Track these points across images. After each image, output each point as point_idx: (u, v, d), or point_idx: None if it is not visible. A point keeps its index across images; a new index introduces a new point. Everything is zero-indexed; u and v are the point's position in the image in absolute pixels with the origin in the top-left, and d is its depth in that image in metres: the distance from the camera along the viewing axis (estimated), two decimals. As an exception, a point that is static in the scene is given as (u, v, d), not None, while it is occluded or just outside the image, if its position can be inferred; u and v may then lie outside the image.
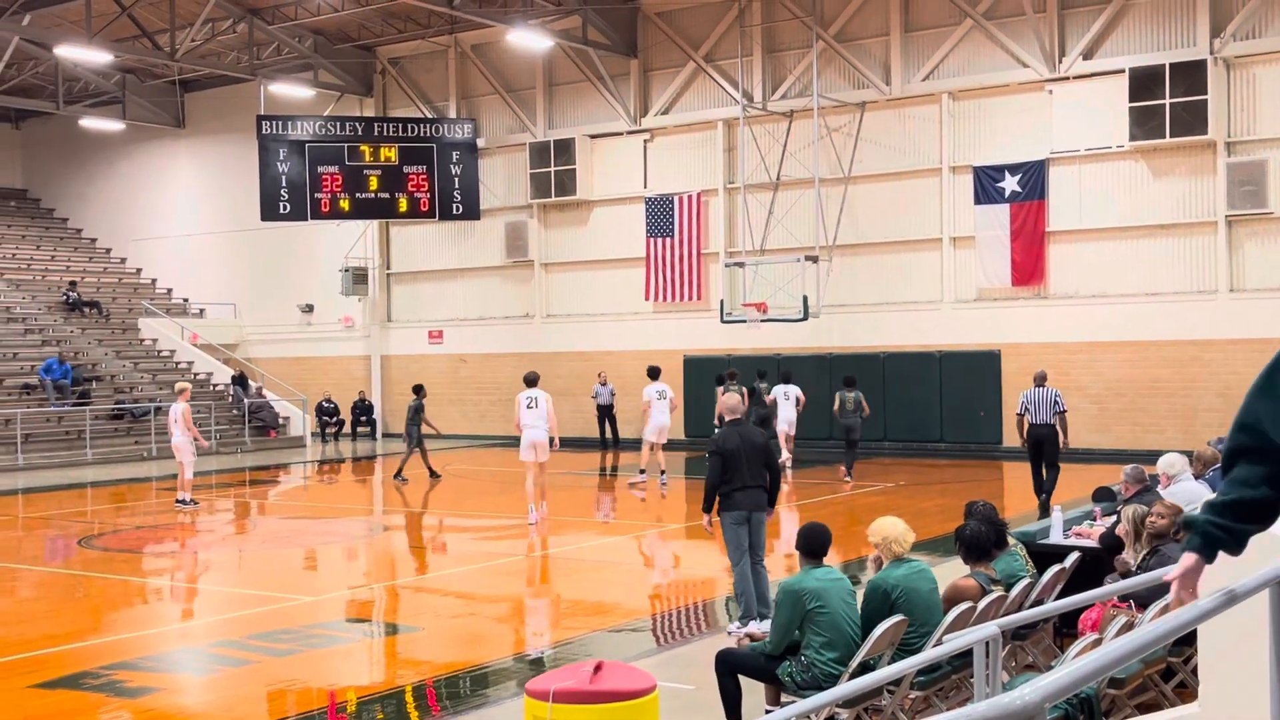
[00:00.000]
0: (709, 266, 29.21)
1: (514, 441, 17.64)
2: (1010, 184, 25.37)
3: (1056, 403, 16.83)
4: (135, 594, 13.40)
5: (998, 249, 25.52)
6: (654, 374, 22.54)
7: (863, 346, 26.97)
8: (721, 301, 27.71)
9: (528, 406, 16.91)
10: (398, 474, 22.78)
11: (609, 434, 29.12)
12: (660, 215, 29.64)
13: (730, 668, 7.10)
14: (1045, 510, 15.24)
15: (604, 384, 29.22)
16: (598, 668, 5.36)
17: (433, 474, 22.77)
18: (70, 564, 15.11)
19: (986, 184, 25.62)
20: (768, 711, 6.81)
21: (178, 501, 19.43)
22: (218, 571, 14.83)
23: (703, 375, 28.18)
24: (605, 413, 29.20)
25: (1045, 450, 16.85)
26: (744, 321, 26.80)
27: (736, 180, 28.52)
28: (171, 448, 20.10)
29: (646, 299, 29.99)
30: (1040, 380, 17.06)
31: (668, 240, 29.56)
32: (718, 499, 10.09)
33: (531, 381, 17.30)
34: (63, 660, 10.02)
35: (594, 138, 30.80)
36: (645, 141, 30.23)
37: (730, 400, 10.65)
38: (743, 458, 10.05)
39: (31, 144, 41.79)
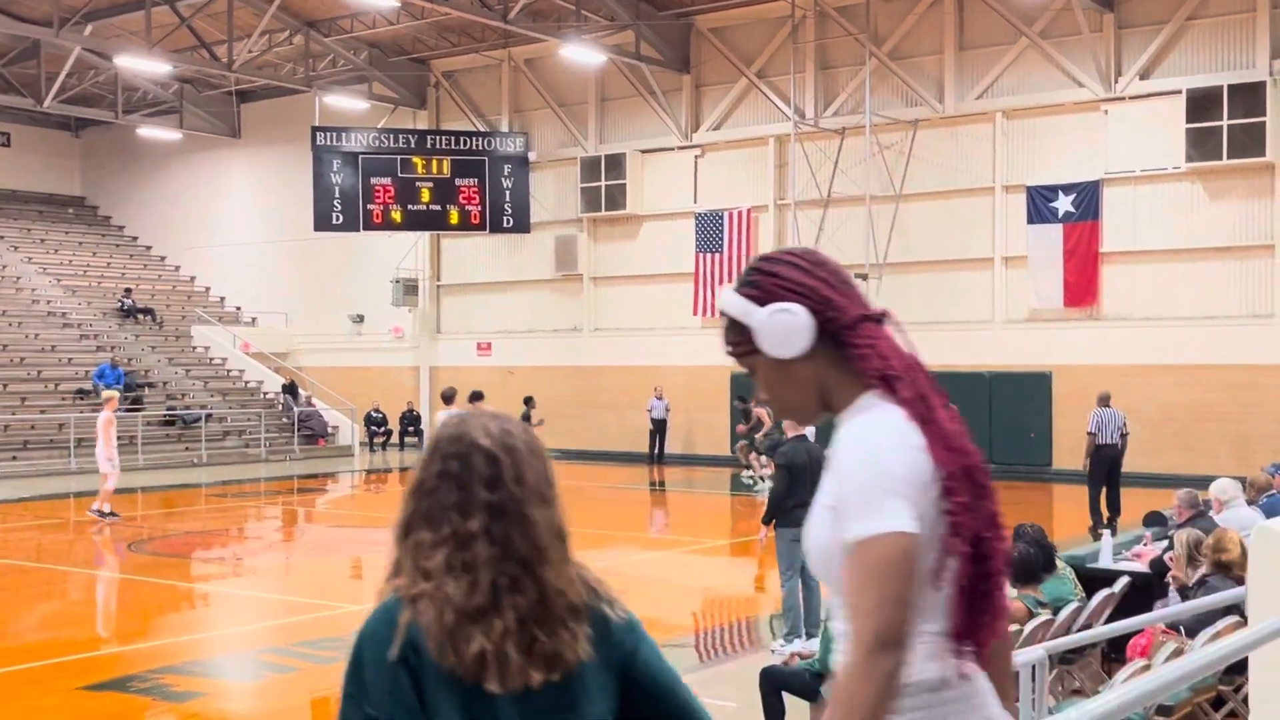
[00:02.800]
0: (758, 283, 29.13)
1: (561, 454, 17.64)
2: (1064, 204, 25.16)
3: (1124, 424, 16.94)
4: (183, 599, 13.53)
5: (1050, 269, 25.30)
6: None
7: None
8: (770, 318, 27.60)
9: None
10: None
11: (657, 449, 29.00)
12: (710, 231, 29.64)
13: (775, 685, 7.07)
14: (1114, 530, 15.18)
15: (659, 398, 29.12)
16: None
17: None
18: (120, 568, 15.28)
19: (1040, 204, 25.42)
20: (810, 731, 6.76)
21: (93, 511, 18.46)
22: (265, 578, 14.94)
23: (750, 392, 28.11)
24: (659, 427, 29.03)
25: (1115, 470, 16.91)
26: (792, 338, 26.67)
27: (787, 197, 28.47)
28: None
29: (695, 314, 29.96)
30: (1105, 401, 17.02)
31: (717, 256, 29.54)
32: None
33: (448, 398, 15.39)
34: (111, 663, 10.13)
35: (645, 153, 30.86)
36: (696, 157, 30.25)
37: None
38: (807, 474, 9.98)
39: (90, 152, 42.43)
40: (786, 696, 7.08)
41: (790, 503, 9.93)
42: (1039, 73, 25.79)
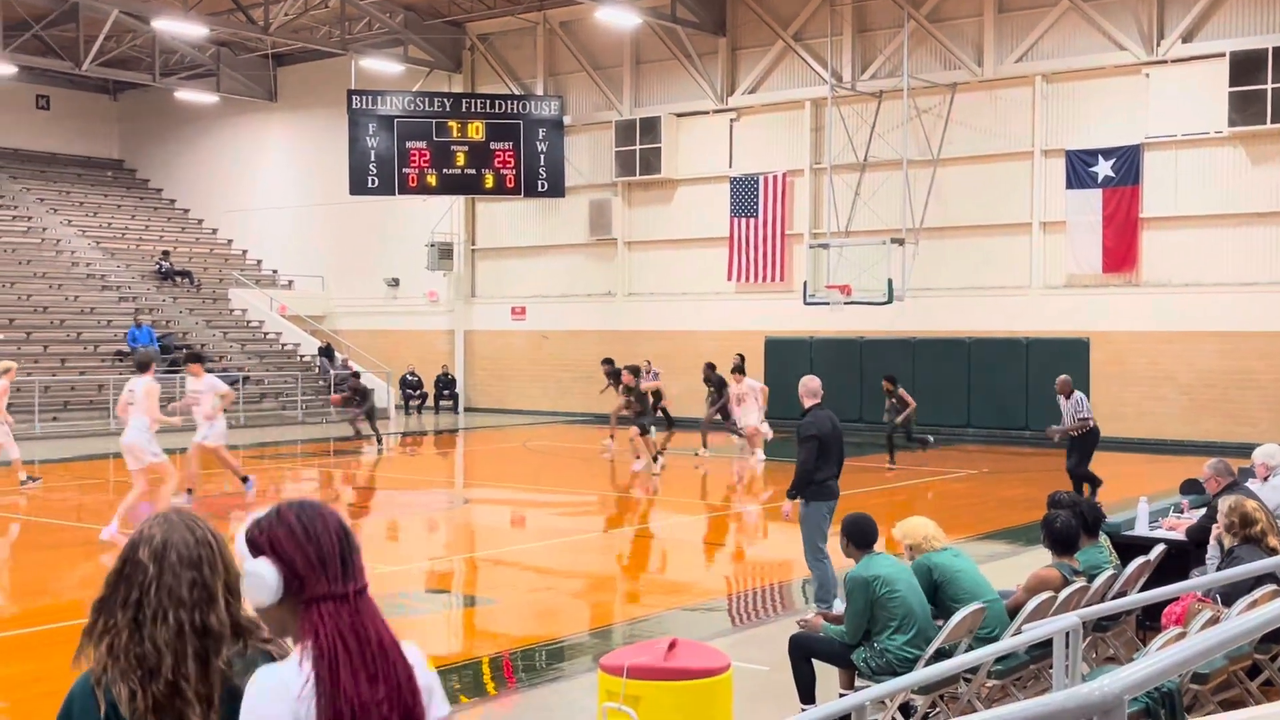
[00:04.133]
0: (792, 247, 29.04)
1: (595, 419, 17.66)
2: (1104, 168, 24.88)
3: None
4: (221, 558, 13.64)
5: (1089, 235, 25.07)
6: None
7: (948, 331, 26.67)
8: (805, 283, 27.53)
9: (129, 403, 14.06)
10: (655, 457, 20.57)
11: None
12: (745, 195, 29.51)
13: (805, 652, 7.08)
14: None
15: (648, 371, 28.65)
16: (672, 645, 5.38)
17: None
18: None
19: (1079, 168, 25.16)
20: (841, 695, 6.78)
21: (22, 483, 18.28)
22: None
23: (784, 357, 28.07)
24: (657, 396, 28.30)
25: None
26: (827, 304, 26.62)
27: (823, 161, 28.29)
28: None
29: (729, 279, 29.90)
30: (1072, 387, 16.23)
31: (752, 220, 29.43)
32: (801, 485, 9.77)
33: (143, 366, 14.31)
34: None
35: (680, 116, 30.72)
36: (731, 121, 30.09)
37: (813, 383, 10.11)
38: (834, 444, 9.77)
39: (128, 116, 42.65)
40: (816, 662, 7.09)
41: (822, 475, 9.70)
42: (1080, 35, 25.46)
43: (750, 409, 21.67)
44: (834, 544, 7.77)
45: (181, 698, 2.66)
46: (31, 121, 40.61)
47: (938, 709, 6.65)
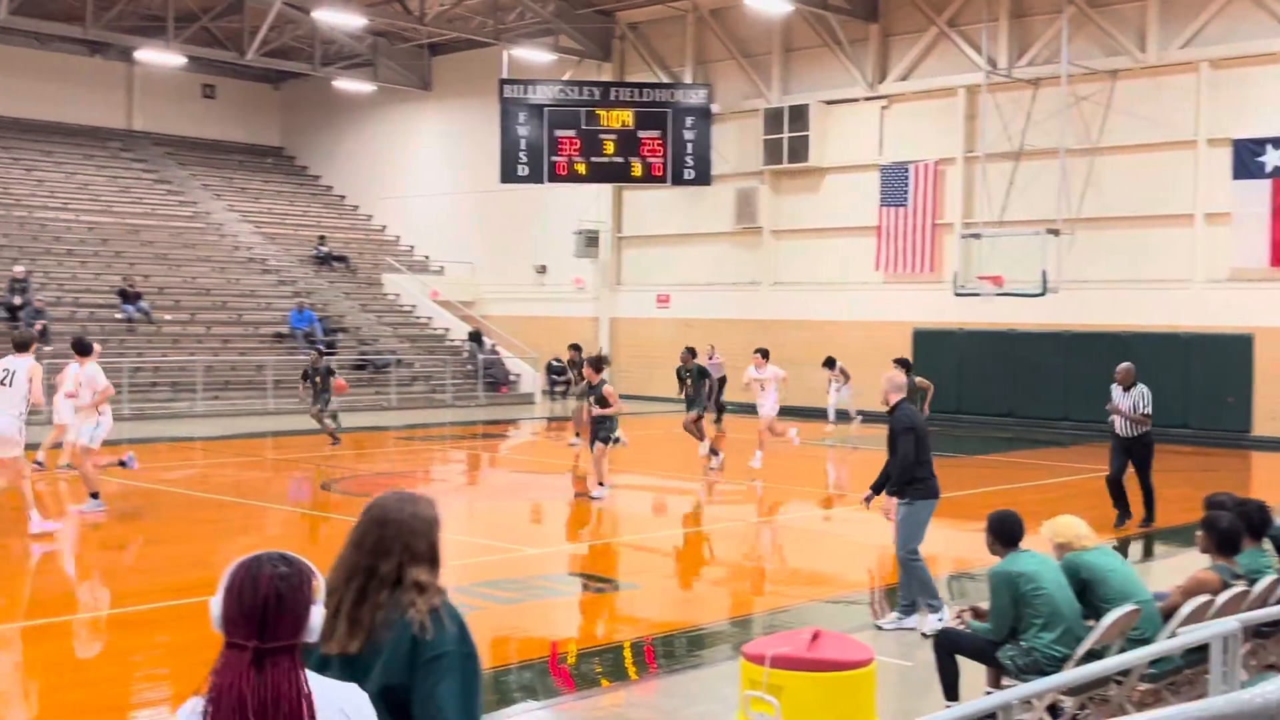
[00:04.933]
0: (943, 237, 28.55)
1: (740, 408, 17.55)
2: (1273, 158, 23.88)
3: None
4: (372, 536, 14.01)
5: (1255, 227, 24.09)
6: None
7: (1103, 325, 25.92)
8: (955, 274, 27.04)
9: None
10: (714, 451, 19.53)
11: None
12: (894, 184, 29.11)
13: (950, 648, 6.98)
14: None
15: (710, 356, 28.43)
16: (815, 636, 5.35)
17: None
18: (312, 505, 15.94)
19: (1246, 158, 24.19)
20: (987, 693, 6.66)
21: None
22: (447, 519, 15.36)
23: (932, 349, 27.64)
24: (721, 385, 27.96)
25: None
26: (977, 295, 26.12)
27: (976, 149, 27.74)
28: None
29: (876, 269, 29.54)
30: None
31: (901, 209, 29.01)
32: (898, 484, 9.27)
33: (21, 345, 12.89)
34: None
35: (829, 104, 30.42)
36: (882, 108, 29.69)
37: (899, 378, 9.61)
38: (927, 439, 9.40)
39: (289, 104, 43.95)
40: (961, 659, 6.98)
41: (923, 471, 9.24)
42: (1249, 20, 24.47)
43: (769, 397, 19.44)
44: (935, 545, 7.62)
45: (339, 616, 3.37)
46: (198, 110, 42.13)
47: (1087, 711, 6.49)
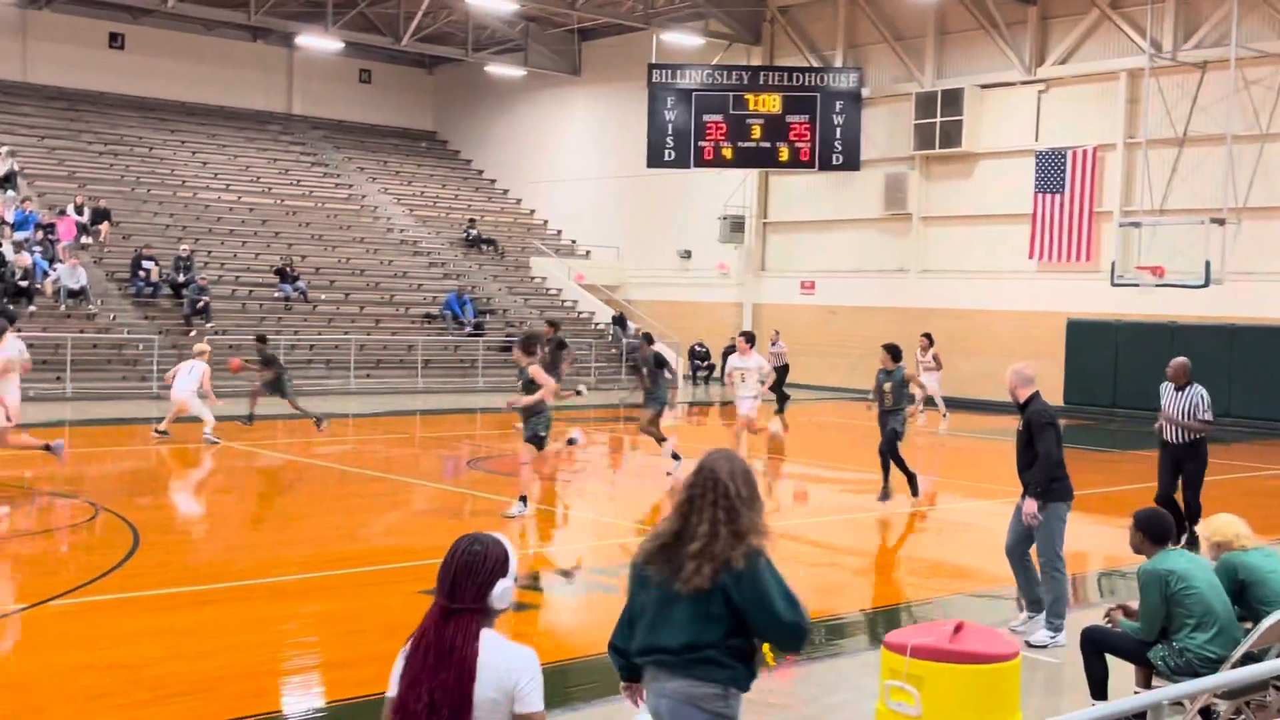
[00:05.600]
0: (1100, 226, 27.72)
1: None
2: None
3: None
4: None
5: None
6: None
7: (1271, 318, 24.89)
8: (1113, 263, 26.24)
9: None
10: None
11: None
12: (1051, 170, 28.35)
13: (1098, 646, 6.76)
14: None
15: (773, 343, 27.92)
16: (958, 628, 5.23)
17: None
18: (459, 482, 16.20)
19: None
20: (1136, 693, 6.44)
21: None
22: (590, 500, 15.50)
23: (1087, 341, 26.89)
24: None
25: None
26: (1136, 285, 25.32)
27: (1138, 135, 26.85)
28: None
29: (1030, 257, 28.83)
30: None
31: (1057, 196, 28.25)
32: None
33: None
34: (448, 570, 10.76)
35: (984, 88, 29.77)
36: (1039, 92, 28.95)
37: (1028, 370, 8.84)
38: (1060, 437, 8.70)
39: (442, 89, 44.71)
40: (1110, 659, 6.77)
41: (1062, 470, 8.58)
42: None
43: (749, 389, 16.58)
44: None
45: (684, 557, 4.21)
46: (354, 94, 43.14)
47: (1243, 715, 6.23)
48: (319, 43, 35.58)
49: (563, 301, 36.42)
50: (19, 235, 27.83)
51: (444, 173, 42.70)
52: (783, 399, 26.62)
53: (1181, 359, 12.38)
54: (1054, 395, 26.60)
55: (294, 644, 8.40)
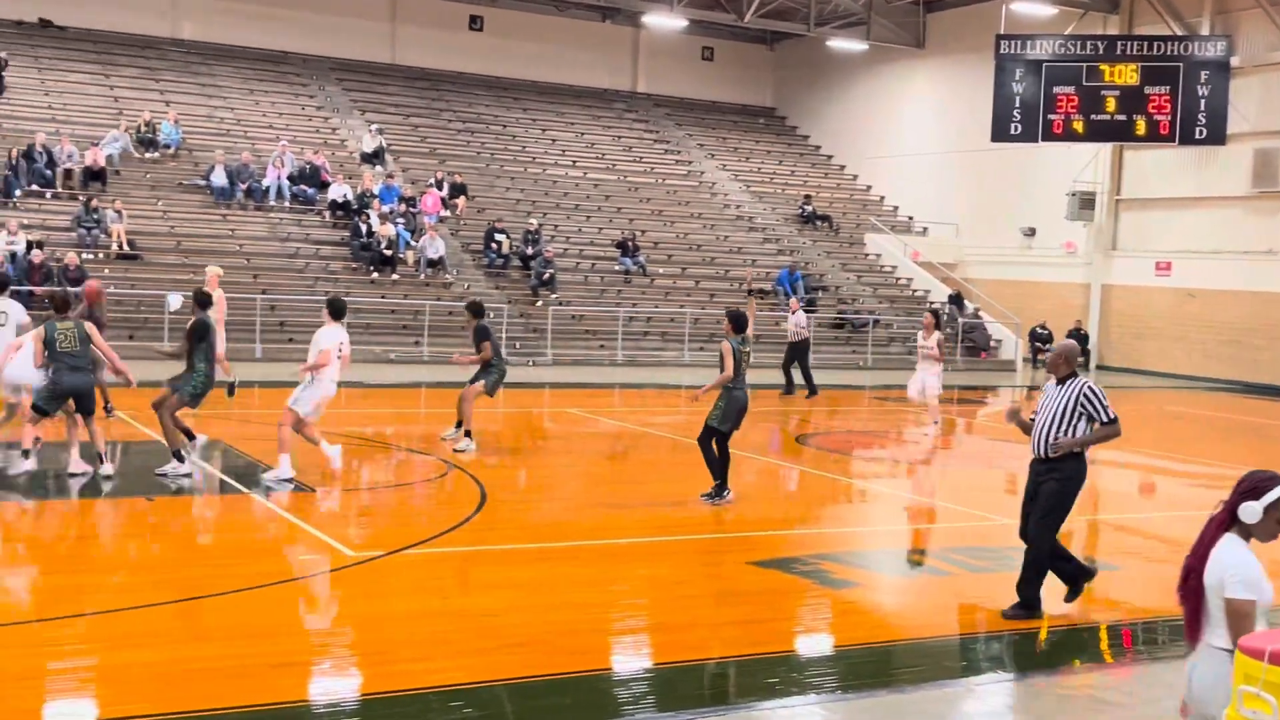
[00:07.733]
0: None
1: (1247, 388, 16.21)
2: None
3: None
4: (842, 492, 14.16)
5: None
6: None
7: None
8: None
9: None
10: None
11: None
12: None
13: None
14: None
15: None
16: (1322, 637, 4.84)
17: None
18: (786, 458, 16.28)
19: None
20: None
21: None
22: (920, 482, 15.25)
23: None
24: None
25: None
26: None
27: None
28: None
29: None
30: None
31: None
32: None
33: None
34: (776, 543, 10.88)
35: (1373, 54, 27.20)
36: None
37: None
38: None
39: (782, 65, 44.76)
40: None
41: None
42: None
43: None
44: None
45: None
46: (696, 72, 43.81)
47: None
48: (664, 21, 36.32)
49: (897, 279, 35.87)
50: (384, 207, 29.89)
51: (781, 149, 42.79)
52: (808, 380, 22.91)
53: None
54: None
55: (626, 604, 8.68)
